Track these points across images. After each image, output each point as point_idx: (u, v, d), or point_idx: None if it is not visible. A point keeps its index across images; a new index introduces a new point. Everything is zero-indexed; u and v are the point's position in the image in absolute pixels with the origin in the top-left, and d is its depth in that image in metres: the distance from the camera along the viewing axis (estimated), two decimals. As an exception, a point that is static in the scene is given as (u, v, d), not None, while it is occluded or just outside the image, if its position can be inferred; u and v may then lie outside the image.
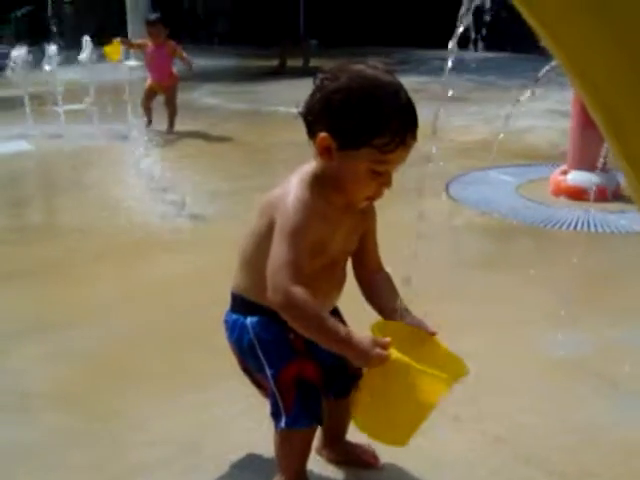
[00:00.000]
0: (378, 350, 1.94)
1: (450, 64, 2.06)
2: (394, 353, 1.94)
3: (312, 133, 2.06)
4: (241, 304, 2.25)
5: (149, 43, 8.46)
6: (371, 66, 2.03)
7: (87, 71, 8.62)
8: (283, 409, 2.20)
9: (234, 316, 2.26)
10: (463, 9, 1.83)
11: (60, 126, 8.38)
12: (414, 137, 2.01)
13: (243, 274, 2.24)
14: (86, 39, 8.56)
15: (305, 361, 2.21)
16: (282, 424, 2.21)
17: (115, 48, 8.48)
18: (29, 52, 8.68)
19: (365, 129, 1.96)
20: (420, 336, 2.14)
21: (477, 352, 3.32)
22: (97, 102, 8.48)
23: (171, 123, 8.46)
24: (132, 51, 9.11)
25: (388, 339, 1.97)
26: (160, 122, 8.53)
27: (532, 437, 2.74)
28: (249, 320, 2.21)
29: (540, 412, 2.90)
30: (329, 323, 1.98)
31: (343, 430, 2.57)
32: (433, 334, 2.15)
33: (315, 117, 2.03)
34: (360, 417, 2.13)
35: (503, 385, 3.10)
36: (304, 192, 2.06)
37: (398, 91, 1.99)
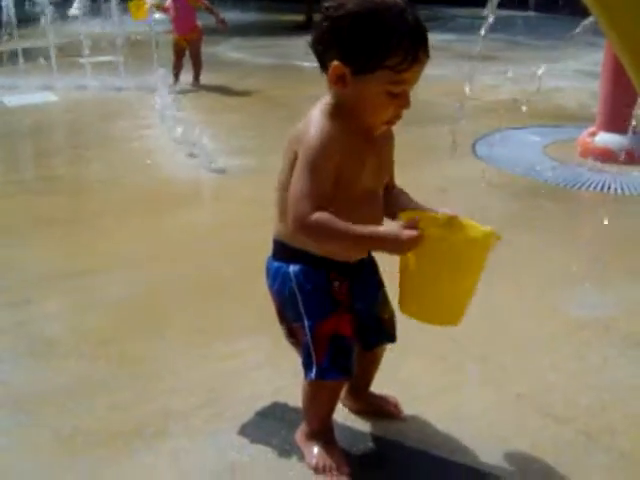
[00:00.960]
0: (408, 231, 1.91)
1: (486, 23, 2.03)
2: (427, 229, 1.93)
3: (324, 64, 2.03)
4: (283, 251, 2.22)
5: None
6: None
7: (113, 23, 8.58)
8: (315, 361, 2.20)
9: (276, 264, 2.23)
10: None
11: (85, 78, 8.38)
12: (426, 53, 1.97)
13: (282, 219, 2.18)
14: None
15: (343, 315, 2.20)
16: (312, 375, 2.22)
17: (140, 6, 8.36)
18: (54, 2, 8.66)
19: (377, 51, 1.93)
20: (445, 219, 2.11)
21: (503, 311, 3.35)
22: (122, 54, 8.46)
23: (196, 76, 8.45)
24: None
25: (416, 217, 1.96)
26: (186, 75, 8.51)
27: (556, 395, 2.74)
28: (292, 268, 2.18)
29: (565, 371, 2.90)
30: (354, 228, 1.96)
31: (368, 381, 2.58)
32: (456, 216, 2.12)
33: (325, 47, 2.01)
34: (407, 304, 2.10)
35: (528, 344, 3.10)
36: (323, 122, 2.03)
37: (404, 10, 1.95)
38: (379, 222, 2.19)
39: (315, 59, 2.07)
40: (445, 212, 2.14)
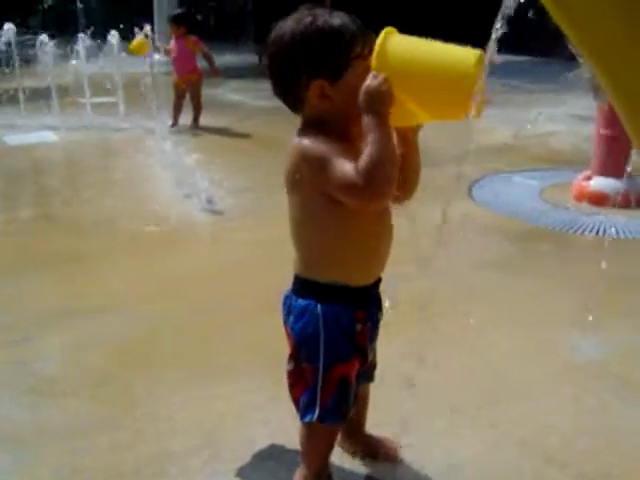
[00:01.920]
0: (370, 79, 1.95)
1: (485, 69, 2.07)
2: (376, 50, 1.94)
3: (298, 99, 2.08)
4: (309, 287, 2.18)
5: (172, 42, 8.53)
6: (298, 13, 2.07)
7: (113, 64, 8.67)
8: (319, 403, 2.20)
9: (303, 301, 2.18)
10: (501, 14, 1.85)
11: (86, 118, 8.47)
12: (372, 32, 2.03)
13: (305, 255, 2.19)
14: (112, 33, 8.62)
15: (356, 359, 2.21)
16: (314, 417, 2.21)
17: (141, 44, 8.46)
18: (55, 44, 8.76)
19: (339, 49, 2.00)
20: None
21: (499, 354, 3.37)
22: (123, 95, 8.54)
23: (195, 118, 8.53)
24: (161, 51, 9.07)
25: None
26: (185, 117, 8.58)
27: (553, 438, 2.75)
28: (320, 307, 2.15)
29: (561, 414, 2.91)
30: (374, 141, 1.95)
31: (361, 420, 2.59)
32: None
33: (292, 80, 2.06)
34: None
35: (525, 387, 3.11)
36: (308, 137, 2.06)
37: (331, 10, 2.06)
38: (389, 237, 2.22)
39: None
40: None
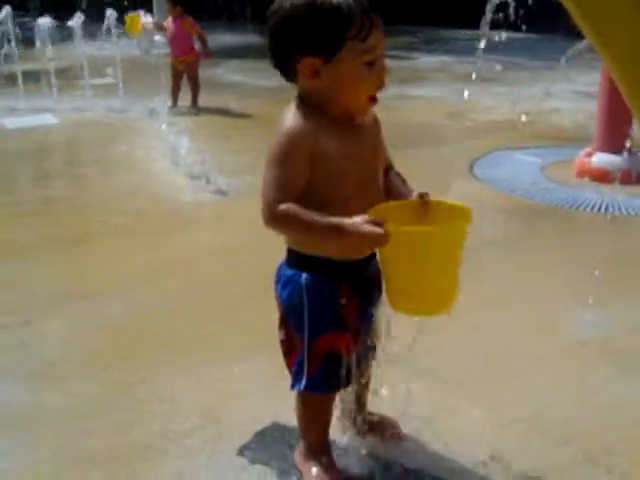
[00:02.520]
0: (370, 227, 1.91)
1: (481, 45, 2.06)
2: (391, 225, 1.90)
3: (291, 72, 2.08)
4: (295, 258, 2.22)
5: (169, 19, 8.46)
6: None
7: (112, 45, 8.63)
8: (306, 372, 2.23)
9: (289, 271, 2.22)
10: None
11: (85, 100, 8.44)
12: (377, 15, 2.01)
13: None
14: (109, 13, 8.57)
15: (343, 332, 2.21)
16: (301, 386, 2.25)
17: (134, 21, 8.42)
18: (54, 26, 8.71)
19: (334, 28, 1.97)
20: (419, 204, 2.09)
21: (501, 330, 3.36)
22: (121, 76, 8.51)
23: (194, 99, 8.49)
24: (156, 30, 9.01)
25: (381, 219, 1.93)
26: (184, 98, 8.54)
27: (555, 415, 2.75)
28: (304, 277, 2.17)
29: (564, 391, 2.91)
30: (320, 219, 1.98)
31: (365, 395, 2.59)
32: (425, 195, 2.10)
33: (286, 54, 2.06)
34: (393, 300, 2.08)
35: (527, 364, 3.11)
36: (293, 117, 2.07)
37: None
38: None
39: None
40: (415, 194, 2.12)
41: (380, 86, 2.07)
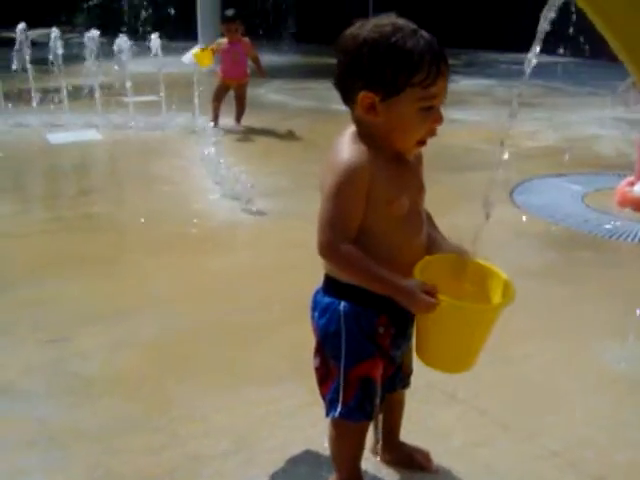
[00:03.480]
0: (424, 296, 2.00)
1: (527, 69, 2.07)
2: (444, 298, 1.99)
3: (349, 99, 2.09)
4: (333, 286, 2.22)
5: (224, 41, 8.43)
6: (383, 17, 2.06)
7: (157, 63, 8.73)
8: (341, 400, 2.23)
9: (327, 299, 2.22)
10: (545, 12, 1.84)
11: (129, 116, 8.54)
12: (447, 65, 2.03)
13: None
14: (153, 37, 8.67)
15: (379, 360, 2.23)
16: (336, 413, 2.25)
17: (206, 54, 8.34)
18: (100, 42, 8.83)
19: (401, 71, 1.98)
20: (461, 262, 2.18)
21: (535, 364, 3.33)
22: (166, 94, 8.60)
23: (238, 117, 8.52)
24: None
25: (435, 286, 2.01)
26: (226, 116, 8.58)
27: (591, 451, 2.71)
28: (342, 305, 2.17)
29: (599, 426, 2.87)
30: (377, 270, 2.04)
31: (395, 428, 2.59)
32: (467, 255, 2.18)
33: (349, 81, 2.06)
34: (422, 354, 2.20)
35: (562, 397, 3.07)
36: (353, 148, 2.07)
37: (416, 29, 2.02)
38: (422, 241, 2.22)
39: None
40: (462, 250, 2.20)
41: (431, 134, 2.09)
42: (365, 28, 2.03)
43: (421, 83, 1.98)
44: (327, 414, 2.29)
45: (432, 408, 2.80)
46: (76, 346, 3.50)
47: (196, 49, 8.52)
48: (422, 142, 2.10)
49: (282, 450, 2.68)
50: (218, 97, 8.50)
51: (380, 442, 2.58)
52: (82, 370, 3.29)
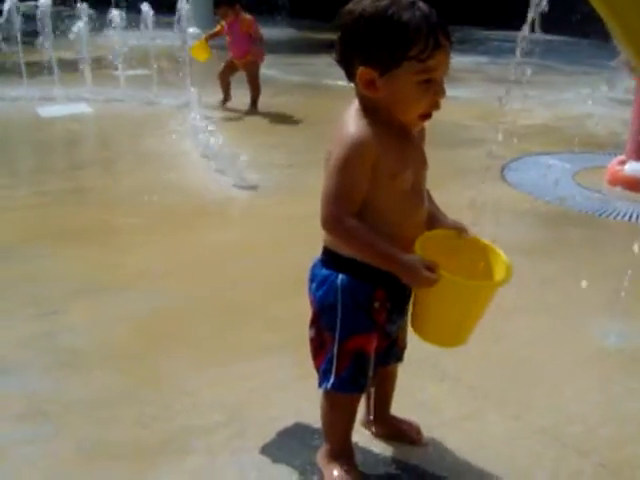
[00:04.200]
0: (427, 273, 2.02)
1: (517, 48, 2.06)
2: (445, 274, 2.03)
3: (350, 74, 2.09)
4: (333, 259, 2.22)
5: (222, 24, 8.32)
6: None
7: (148, 36, 8.66)
8: (334, 371, 2.24)
9: (325, 271, 2.22)
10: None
11: (120, 90, 8.49)
12: (447, 37, 2.02)
13: None
14: (145, 8, 8.59)
15: (374, 334, 2.24)
16: (328, 385, 2.26)
17: (203, 47, 8.19)
18: (90, 16, 8.77)
19: (397, 44, 1.97)
20: (460, 238, 2.22)
21: (524, 340, 3.34)
22: (158, 68, 8.54)
23: (253, 101, 8.34)
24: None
25: (436, 262, 2.04)
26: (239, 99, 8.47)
27: (578, 426, 2.73)
28: (340, 279, 2.18)
29: (587, 402, 2.89)
30: (380, 245, 2.07)
31: (387, 400, 2.60)
32: (464, 231, 2.23)
33: (348, 56, 2.07)
34: (417, 326, 2.23)
35: (551, 373, 3.09)
36: (358, 122, 2.07)
37: (414, 2, 2.01)
38: (423, 217, 2.24)
39: (342, 74, 2.12)
40: (461, 227, 2.24)
41: (434, 107, 2.07)
42: (363, 3, 2.02)
43: (418, 56, 1.97)
44: (320, 385, 2.31)
45: (423, 382, 2.81)
46: (66, 320, 3.50)
47: (192, 43, 8.37)
48: (426, 115, 2.10)
49: (273, 423, 2.69)
50: (221, 75, 8.40)
51: (371, 415, 2.60)
52: (73, 343, 3.29)
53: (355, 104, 2.13)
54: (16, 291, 3.82)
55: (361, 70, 2.02)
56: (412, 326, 2.25)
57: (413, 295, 2.20)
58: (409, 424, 2.63)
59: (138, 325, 3.45)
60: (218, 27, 8.45)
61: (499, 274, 2.14)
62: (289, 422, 2.69)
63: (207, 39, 8.24)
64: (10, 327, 3.45)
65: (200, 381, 2.98)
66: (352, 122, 2.08)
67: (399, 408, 2.63)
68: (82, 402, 2.86)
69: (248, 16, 8.26)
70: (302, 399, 2.76)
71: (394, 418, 2.64)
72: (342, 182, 2.05)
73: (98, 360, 3.15)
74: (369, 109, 2.09)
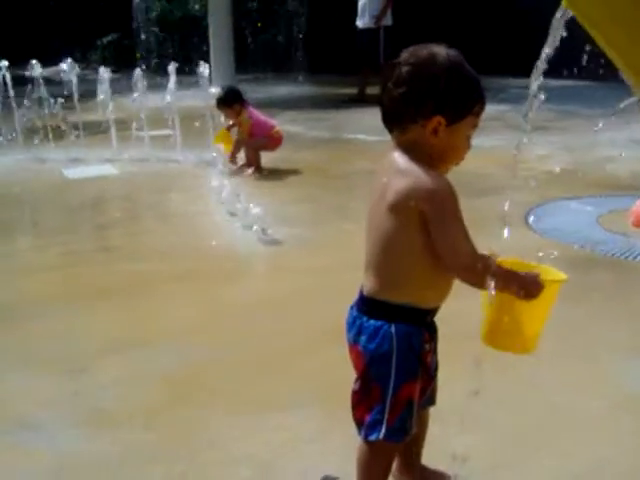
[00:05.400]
0: (540, 280, 2.13)
1: (532, 93, 2.10)
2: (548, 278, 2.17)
3: (410, 120, 2.15)
4: (381, 308, 2.23)
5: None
6: (440, 46, 2.18)
7: (171, 98, 8.79)
8: (386, 421, 2.23)
9: (376, 323, 2.23)
10: (549, 39, 1.86)
11: (144, 151, 8.60)
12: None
13: (378, 275, 2.24)
14: (171, 67, 8.74)
15: (420, 379, 2.26)
16: (380, 435, 2.24)
17: (225, 136, 8.18)
18: (114, 78, 8.93)
19: (470, 99, 2.14)
20: (531, 266, 2.29)
21: (558, 385, 3.31)
22: (181, 129, 8.66)
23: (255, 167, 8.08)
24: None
25: (536, 272, 2.16)
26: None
27: (613, 472, 2.69)
28: (394, 328, 2.20)
29: (620, 447, 2.85)
30: (501, 268, 2.12)
31: (418, 449, 2.58)
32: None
33: (418, 101, 2.12)
34: (496, 337, 2.25)
35: (583, 418, 3.06)
36: (430, 175, 2.12)
37: (465, 60, 2.18)
38: None
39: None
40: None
41: (464, 158, 2.24)
42: (441, 52, 2.15)
43: (477, 111, 2.16)
44: (367, 437, 2.28)
45: (453, 430, 2.78)
46: (94, 377, 3.52)
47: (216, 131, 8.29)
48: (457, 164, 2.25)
49: (302, 476, 2.68)
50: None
51: (402, 465, 2.57)
52: (100, 401, 3.30)
53: (398, 155, 2.19)
54: (45, 349, 3.84)
55: (434, 118, 2.11)
56: (488, 340, 2.26)
57: (488, 311, 2.21)
58: (441, 474, 2.60)
59: (166, 381, 3.46)
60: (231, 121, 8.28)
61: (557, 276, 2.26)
62: (317, 476, 2.66)
63: (228, 129, 8.25)
64: (37, 385, 3.47)
65: (229, 435, 2.98)
66: (423, 174, 2.12)
67: (429, 458, 2.60)
68: (110, 460, 2.86)
69: (247, 119, 8.01)
70: (330, 453, 2.75)
71: (425, 469, 2.61)
72: (460, 222, 2.12)
73: (127, 417, 3.16)
74: (423, 156, 2.15)
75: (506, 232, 2.26)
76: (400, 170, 2.15)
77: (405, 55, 2.19)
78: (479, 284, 2.14)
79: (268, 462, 2.79)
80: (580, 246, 5.28)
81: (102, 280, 4.84)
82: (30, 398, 3.35)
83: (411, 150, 2.17)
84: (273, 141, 8.17)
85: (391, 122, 2.22)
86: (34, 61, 8.73)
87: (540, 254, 2.40)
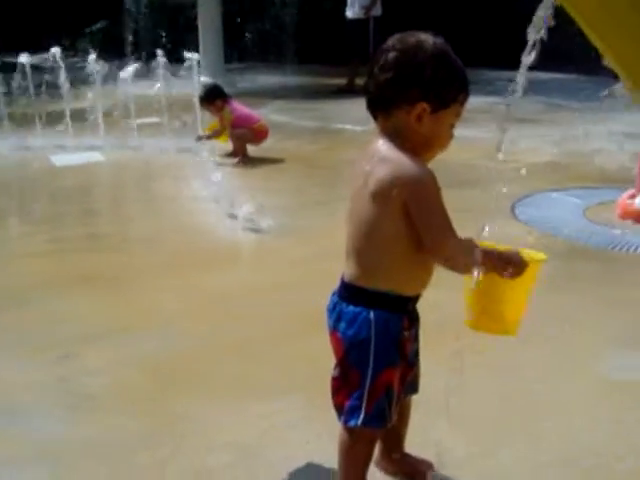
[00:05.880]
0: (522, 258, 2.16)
1: (519, 85, 2.13)
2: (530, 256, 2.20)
3: (395, 107, 2.16)
4: (360, 295, 2.24)
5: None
6: (427, 34, 2.20)
7: (160, 86, 8.76)
8: (365, 407, 2.24)
9: (355, 309, 2.24)
10: (533, 29, 1.88)
11: (132, 139, 8.58)
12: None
13: (359, 262, 2.25)
14: (159, 54, 8.72)
15: (400, 366, 2.27)
16: (358, 421, 2.25)
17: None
18: (102, 66, 8.89)
19: (457, 86, 2.17)
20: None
21: (538, 373, 3.33)
22: (169, 116, 8.63)
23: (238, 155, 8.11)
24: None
25: (517, 249, 2.20)
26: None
27: (592, 459, 2.72)
28: (372, 314, 2.21)
29: (602, 434, 2.87)
30: (484, 248, 2.14)
31: (400, 436, 2.60)
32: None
33: (402, 88, 2.14)
34: (479, 319, 2.28)
35: (560, 405, 3.09)
36: (413, 163, 2.13)
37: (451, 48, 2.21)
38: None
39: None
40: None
41: (448, 146, 2.25)
42: (428, 40, 2.16)
43: (462, 100, 2.17)
44: (346, 422, 2.29)
45: (434, 420, 2.80)
46: (79, 363, 3.52)
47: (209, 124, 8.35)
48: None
49: (285, 463, 2.69)
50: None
51: (384, 452, 2.59)
52: (85, 387, 3.31)
53: (382, 143, 2.20)
54: (30, 335, 3.85)
55: (419, 104, 2.13)
56: (472, 322, 2.28)
57: (472, 295, 2.23)
58: (422, 462, 2.62)
59: (151, 367, 3.47)
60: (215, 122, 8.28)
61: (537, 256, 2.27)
62: (300, 462, 2.69)
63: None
64: (25, 371, 3.47)
65: (212, 422, 2.99)
66: (406, 161, 2.13)
67: (410, 446, 2.62)
68: (96, 445, 2.87)
69: (228, 113, 8.00)
70: (313, 439, 2.77)
71: (407, 456, 2.63)
72: (443, 211, 2.14)
73: (112, 403, 3.17)
74: (407, 144, 2.16)
75: (492, 223, 2.27)
76: (383, 158, 2.16)
77: (392, 41, 2.20)
78: (463, 269, 2.17)
79: (251, 449, 2.80)
80: (566, 237, 5.30)
81: (88, 267, 4.84)
82: (17, 384, 3.35)
83: (395, 137, 2.17)
84: (257, 134, 8.16)
85: (376, 107, 2.23)
86: (23, 51, 8.68)
87: (525, 244, 2.42)
